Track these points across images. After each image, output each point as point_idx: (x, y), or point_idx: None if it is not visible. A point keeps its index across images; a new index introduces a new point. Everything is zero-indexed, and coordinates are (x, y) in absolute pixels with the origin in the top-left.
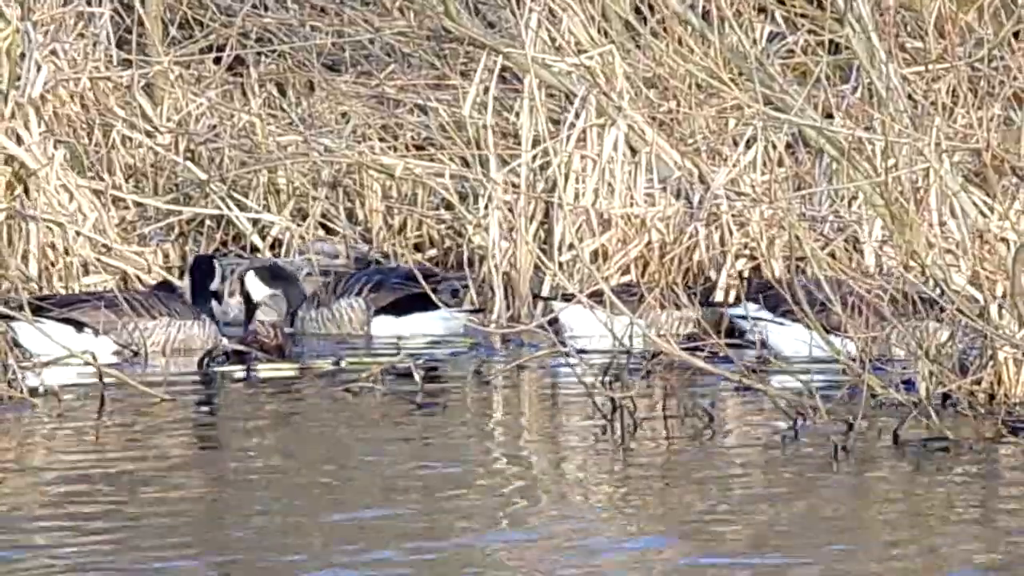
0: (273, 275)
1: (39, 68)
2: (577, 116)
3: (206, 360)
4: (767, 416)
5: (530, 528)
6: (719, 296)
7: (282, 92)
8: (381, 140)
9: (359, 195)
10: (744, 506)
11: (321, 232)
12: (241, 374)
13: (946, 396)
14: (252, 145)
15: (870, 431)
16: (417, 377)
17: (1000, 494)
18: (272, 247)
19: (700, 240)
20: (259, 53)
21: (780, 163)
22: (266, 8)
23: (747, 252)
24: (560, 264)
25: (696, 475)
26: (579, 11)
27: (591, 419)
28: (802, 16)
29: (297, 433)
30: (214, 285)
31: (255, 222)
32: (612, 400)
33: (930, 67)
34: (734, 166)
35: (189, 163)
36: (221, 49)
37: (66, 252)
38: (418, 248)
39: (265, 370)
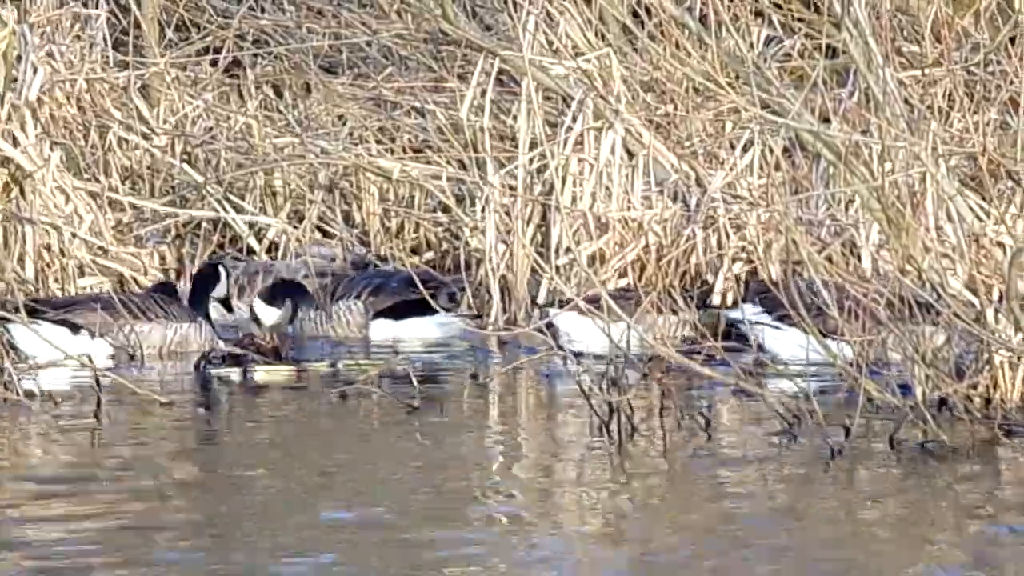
0: (277, 294)
1: (35, 70)
2: (574, 119)
3: (202, 362)
4: (764, 419)
5: (526, 531)
6: (716, 300)
7: (279, 94)
8: (378, 143)
9: (356, 198)
10: (740, 509)
11: (318, 235)
12: (237, 377)
13: (942, 400)
14: (249, 147)
15: (866, 435)
16: (414, 380)
17: (996, 498)
18: (269, 250)
19: (697, 243)
20: (256, 55)
21: (777, 167)
22: (263, 10)
23: (744, 256)
24: (557, 267)
25: (692, 478)
26: (576, 14)
27: (588, 423)
28: (799, 20)
29: (293, 435)
30: (221, 291)
31: (252, 224)
32: (609, 404)
33: (927, 71)
34: (731, 169)
35: (185, 165)
36: (218, 51)
37: (62, 254)
38: (415, 251)
39: (262, 372)
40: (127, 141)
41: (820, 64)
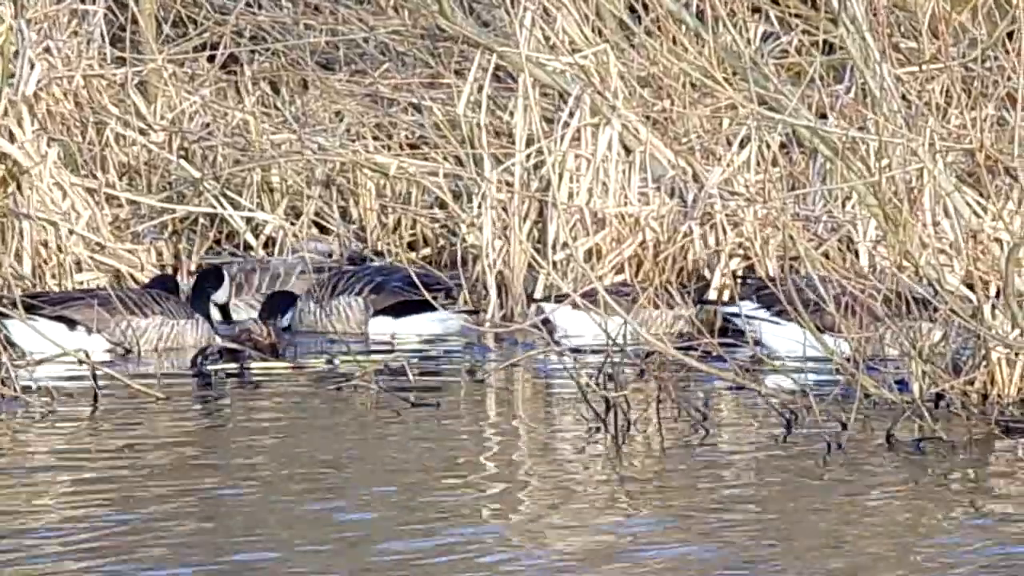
0: (274, 309)
1: (32, 66)
2: (571, 115)
3: (199, 358)
4: (761, 415)
5: (522, 526)
6: (713, 296)
7: (276, 90)
8: (375, 139)
9: (353, 194)
10: (737, 505)
11: (315, 231)
12: (234, 372)
13: (939, 396)
14: (246, 143)
15: (863, 431)
16: (411, 376)
17: (993, 494)
18: (265, 245)
19: (694, 239)
20: (253, 51)
21: (774, 163)
22: (260, 6)
23: (741, 252)
24: (554, 263)
25: (689, 474)
26: (573, 10)
27: (585, 418)
28: (796, 16)
29: (290, 431)
30: (222, 297)
31: (249, 220)
32: (606, 399)
33: (924, 67)
34: (728, 165)
35: (183, 161)
36: (215, 47)
37: (59, 250)
38: (412, 247)
39: (258, 368)
40: (124, 137)
41: (817, 60)
